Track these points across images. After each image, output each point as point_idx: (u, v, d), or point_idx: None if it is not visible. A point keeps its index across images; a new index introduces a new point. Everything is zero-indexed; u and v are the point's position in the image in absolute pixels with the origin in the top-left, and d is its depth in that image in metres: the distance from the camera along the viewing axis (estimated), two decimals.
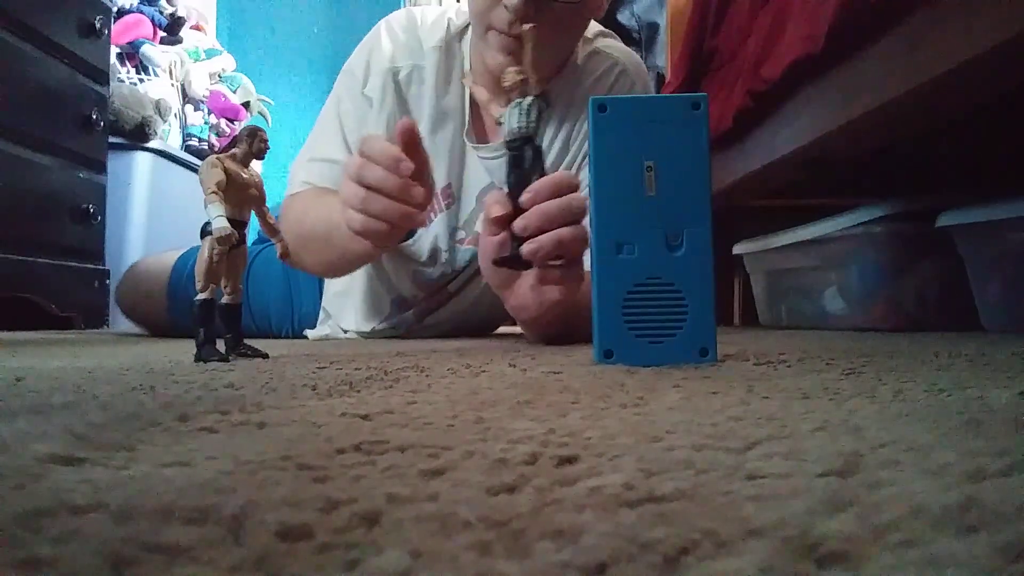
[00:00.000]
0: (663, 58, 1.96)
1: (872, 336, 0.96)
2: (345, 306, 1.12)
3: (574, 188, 0.64)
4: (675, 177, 0.50)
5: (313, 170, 0.99)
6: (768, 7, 1.17)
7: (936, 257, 1.14)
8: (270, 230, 0.63)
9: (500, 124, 0.67)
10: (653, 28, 2.12)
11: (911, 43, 0.81)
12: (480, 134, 0.98)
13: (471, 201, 0.99)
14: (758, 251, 1.56)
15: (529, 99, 0.65)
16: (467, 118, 0.97)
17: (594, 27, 1.01)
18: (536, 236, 0.62)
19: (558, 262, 0.65)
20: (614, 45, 1.01)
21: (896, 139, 1.12)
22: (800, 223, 1.35)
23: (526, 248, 0.63)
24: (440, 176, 0.97)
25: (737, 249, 1.65)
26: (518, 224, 0.63)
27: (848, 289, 1.27)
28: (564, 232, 0.62)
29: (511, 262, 0.65)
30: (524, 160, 0.64)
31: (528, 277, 0.69)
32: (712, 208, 0.50)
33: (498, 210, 0.63)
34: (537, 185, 0.63)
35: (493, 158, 0.96)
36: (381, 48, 0.99)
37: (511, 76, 0.66)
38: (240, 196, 0.59)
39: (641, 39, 2.12)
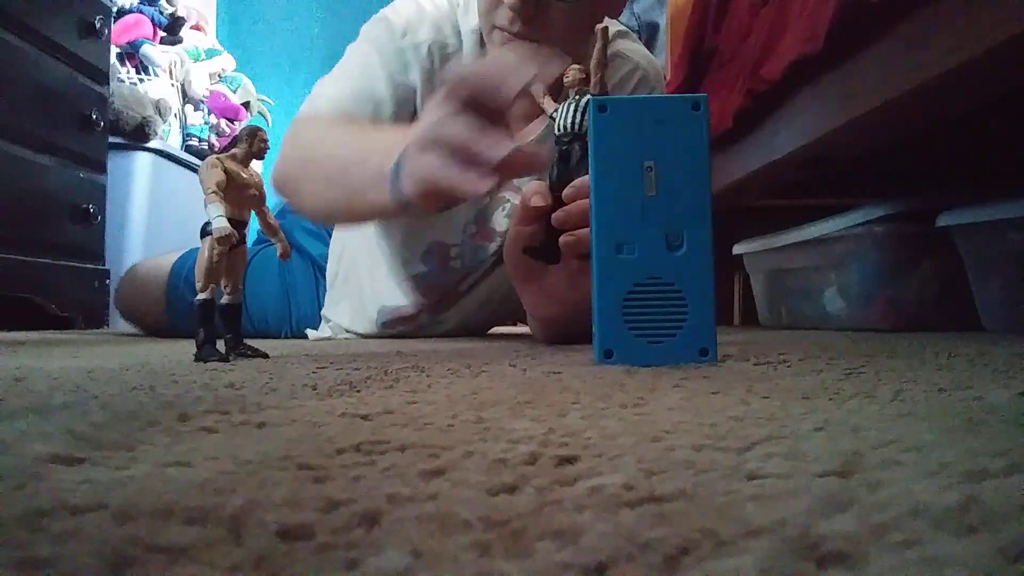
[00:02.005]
0: (663, 58, 1.96)
1: (872, 336, 0.96)
2: (344, 309, 1.12)
3: None
4: (675, 177, 0.50)
5: (347, 96, 0.90)
6: (768, 7, 1.17)
7: (936, 257, 1.14)
8: (270, 230, 0.63)
9: (552, 119, 0.65)
10: (653, 28, 2.12)
11: (911, 43, 0.81)
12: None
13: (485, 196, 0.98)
14: (758, 251, 1.56)
15: (587, 98, 0.64)
16: None
17: (613, 26, 0.99)
18: (575, 231, 0.61)
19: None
20: (634, 48, 1.01)
21: (896, 139, 1.12)
22: (800, 223, 1.35)
23: (564, 239, 0.62)
24: None
25: (737, 249, 1.65)
26: (558, 216, 0.62)
27: (848, 289, 1.27)
28: None
29: (541, 253, 0.65)
30: (572, 156, 0.63)
31: (551, 273, 0.68)
32: (712, 208, 0.50)
33: (539, 200, 0.62)
34: (581, 182, 0.61)
35: None
36: (425, 11, 0.93)
37: (573, 73, 0.65)
38: (240, 196, 0.59)
39: (641, 39, 2.12)
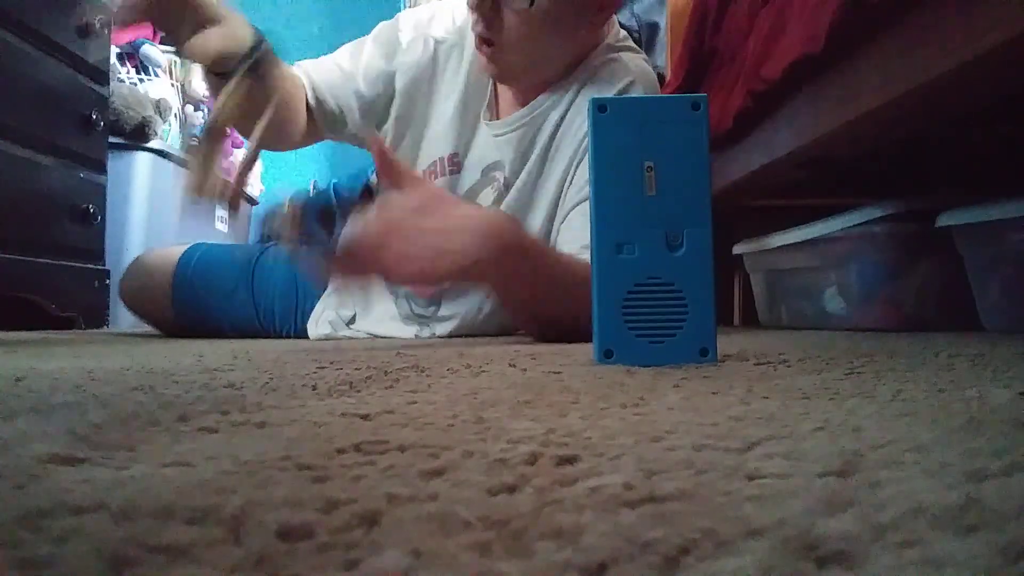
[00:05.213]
0: (663, 58, 1.96)
1: (872, 336, 0.96)
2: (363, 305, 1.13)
3: None
4: (675, 177, 0.50)
5: (320, 63, 1.06)
6: (768, 7, 1.17)
7: (936, 257, 1.14)
8: None
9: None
10: (653, 28, 2.12)
11: (911, 43, 0.81)
12: (494, 112, 1.05)
13: (475, 174, 1.04)
14: (758, 251, 1.56)
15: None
16: (489, 96, 1.04)
17: (627, 40, 1.08)
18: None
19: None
20: (637, 61, 1.05)
21: (896, 139, 1.12)
22: (800, 223, 1.35)
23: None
24: (449, 144, 1.04)
25: (737, 249, 1.65)
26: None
27: (848, 289, 1.27)
28: None
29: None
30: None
31: None
32: (712, 208, 0.50)
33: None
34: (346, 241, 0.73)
35: (502, 134, 1.02)
36: (432, 17, 1.08)
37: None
38: None
39: (641, 39, 2.12)
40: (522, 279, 0.79)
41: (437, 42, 1.05)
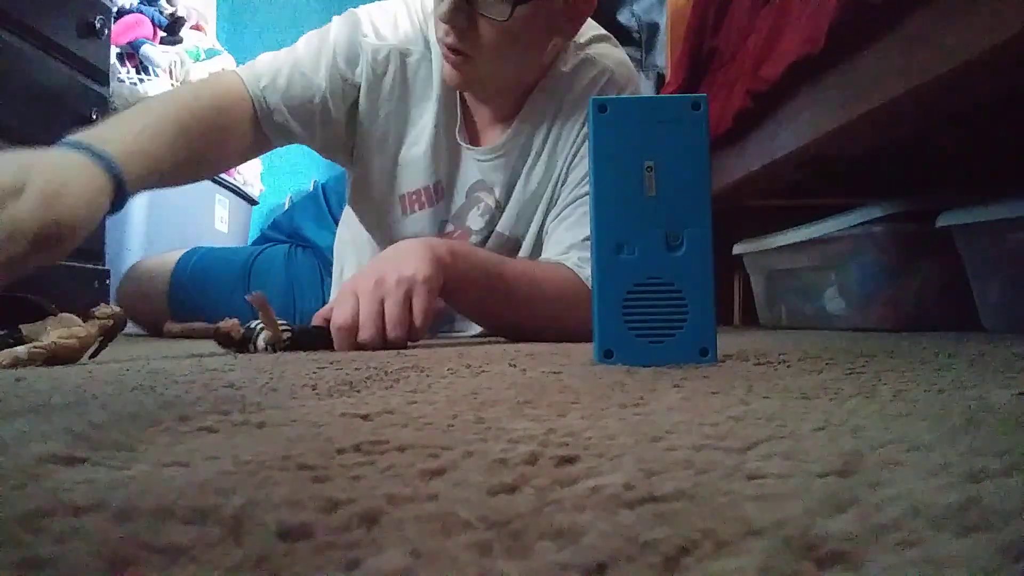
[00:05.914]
0: (663, 58, 1.96)
1: (872, 336, 0.96)
2: None
3: None
4: (675, 177, 0.50)
5: (279, 68, 0.94)
6: (768, 7, 1.17)
7: (936, 257, 1.14)
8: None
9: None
10: (653, 28, 2.12)
11: (911, 43, 0.81)
12: (472, 134, 1.01)
13: (461, 196, 1.02)
14: (758, 251, 1.56)
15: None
16: (460, 115, 0.99)
17: (590, 31, 1.01)
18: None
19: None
20: (607, 52, 1.01)
21: (896, 139, 1.12)
22: (800, 223, 1.35)
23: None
24: (431, 173, 0.99)
25: (737, 249, 1.65)
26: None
27: (848, 289, 1.27)
28: None
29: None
30: None
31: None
32: (712, 208, 0.51)
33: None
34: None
35: (487, 160, 0.99)
36: (395, 21, 0.98)
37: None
38: None
39: (641, 39, 2.12)
40: (471, 281, 0.80)
41: (403, 55, 0.97)
